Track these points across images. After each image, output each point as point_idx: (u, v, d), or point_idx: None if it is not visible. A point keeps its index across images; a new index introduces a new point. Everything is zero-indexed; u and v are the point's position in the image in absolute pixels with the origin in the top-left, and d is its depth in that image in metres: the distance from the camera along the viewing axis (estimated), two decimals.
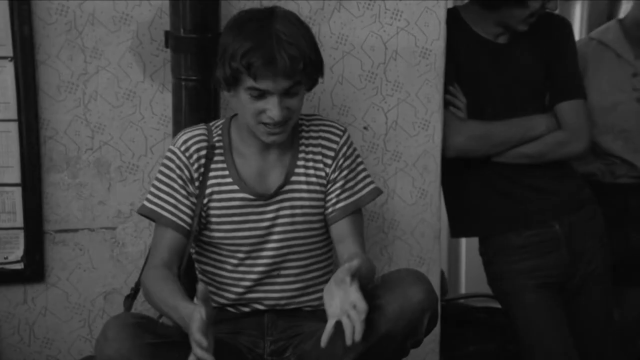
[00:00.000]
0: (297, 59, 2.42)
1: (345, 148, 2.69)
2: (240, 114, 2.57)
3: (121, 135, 2.92)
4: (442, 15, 3.07)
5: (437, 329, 3.12)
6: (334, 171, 2.68)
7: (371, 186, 2.74)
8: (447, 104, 3.13)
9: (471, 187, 3.19)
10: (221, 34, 2.58)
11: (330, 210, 2.68)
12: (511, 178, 3.13)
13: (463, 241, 4.59)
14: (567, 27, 3.25)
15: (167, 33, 2.82)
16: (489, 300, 3.49)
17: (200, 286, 2.26)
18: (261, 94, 2.44)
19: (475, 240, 3.36)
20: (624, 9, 4.20)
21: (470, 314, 3.53)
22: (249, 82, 2.42)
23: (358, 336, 2.22)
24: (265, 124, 2.49)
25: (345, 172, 2.68)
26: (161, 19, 2.86)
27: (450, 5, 3.30)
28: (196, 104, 2.81)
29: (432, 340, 3.15)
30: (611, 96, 3.37)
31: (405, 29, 3.03)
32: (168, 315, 2.42)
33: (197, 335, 2.19)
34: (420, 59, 3.06)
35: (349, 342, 2.21)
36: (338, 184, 2.67)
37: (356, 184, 2.71)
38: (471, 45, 3.12)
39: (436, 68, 3.08)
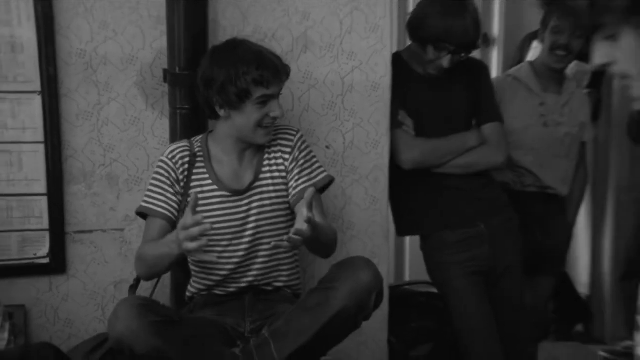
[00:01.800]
0: (284, 66, 2.69)
1: (299, 143, 2.85)
2: (239, 128, 2.70)
3: (128, 153, 3.04)
4: (388, 57, 3.20)
5: (385, 309, 3.26)
6: (291, 163, 2.82)
7: (325, 173, 2.88)
8: (398, 126, 3.22)
9: (412, 194, 3.28)
10: (203, 72, 2.70)
11: (292, 194, 2.81)
12: (446, 186, 3.24)
13: (407, 239, 4.61)
14: (486, 68, 3.48)
15: (165, 71, 2.96)
16: (428, 287, 3.55)
17: (192, 199, 2.44)
18: (266, 100, 2.65)
19: (417, 238, 3.44)
20: (530, 55, 4.27)
21: (413, 298, 3.59)
22: (260, 92, 2.63)
23: (303, 226, 2.41)
24: (265, 127, 2.69)
25: (301, 162, 2.83)
26: (160, 60, 2.99)
27: (395, 49, 3.38)
28: (189, 128, 2.92)
29: (381, 319, 3.26)
30: (523, 121, 3.52)
31: (359, 68, 3.18)
32: (161, 252, 2.58)
33: (188, 220, 2.38)
34: (371, 91, 3.20)
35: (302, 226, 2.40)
36: (295, 172, 2.82)
37: (312, 171, 2.85)
38: (412, 80, 3.24)
39: (384, 99, 3.21)
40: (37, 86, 2.92)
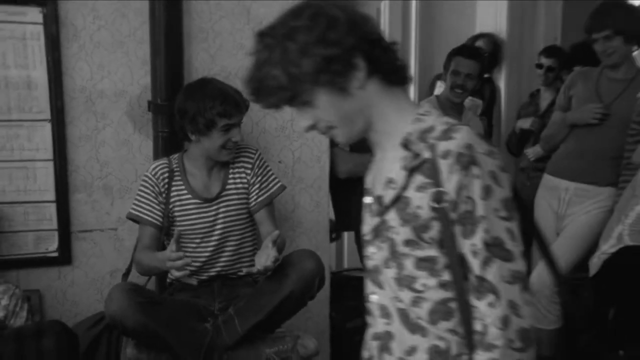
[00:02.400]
0: (244, 101, 2.67)
1: (258, 161, 2.83)
2: (207, 149, 2.68)
3: (120, 168, 3.02)
4: None
5: (327, 289, 3.23)
6: (252, 177, 2.80)
7: (279, 183, 2.86)
8: (336, 144, 3.19)
9: (347, 199, 3.27)
10: (178, 105, 2.68)
11: (253, 204, 2.81)
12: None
13: (346, 233, 4.52)
14: None
15: (149, 102, 2.96)
16: (362, 272, 3.54)
17: (175, 234, 2.48)
18: (229, 128, 2.64)
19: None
20: (436, 91, 4.30)
21: (349, 281, 3.57)
22: (224, 122, 2.62)
23: (270, 262, 2.45)
24: (227, 148, 2.67)
25: (260, 177, 2.81)
26: (145, 93, 2.97)
27: None
28: (168, 148, 2.91)
29: (324, 298, 3.26)
30: None
31: None
32: (154, 265, 2.57)
33: (173, 255, 2.41)
34: None
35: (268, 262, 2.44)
36: (256, 185, 2.80)
37: (268, 184, 2.83)
38: None
39: None
40: (47, 115, 2.91)
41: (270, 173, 2.88)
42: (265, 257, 2.48)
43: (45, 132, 2.91)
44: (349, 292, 3.48)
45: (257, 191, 2.82)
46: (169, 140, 2.95)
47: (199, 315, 2.67)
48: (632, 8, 3.41)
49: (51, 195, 2.95)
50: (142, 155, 3.05)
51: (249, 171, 2.82)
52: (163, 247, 2.78)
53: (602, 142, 3.47)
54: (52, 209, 2.96)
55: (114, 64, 2.96)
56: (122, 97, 2.99)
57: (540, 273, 3.42)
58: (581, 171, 3.49)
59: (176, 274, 2.46)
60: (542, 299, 3.61)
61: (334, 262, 4.28)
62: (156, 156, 2.98)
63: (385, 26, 4.92)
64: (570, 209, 3.52)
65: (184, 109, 2.66)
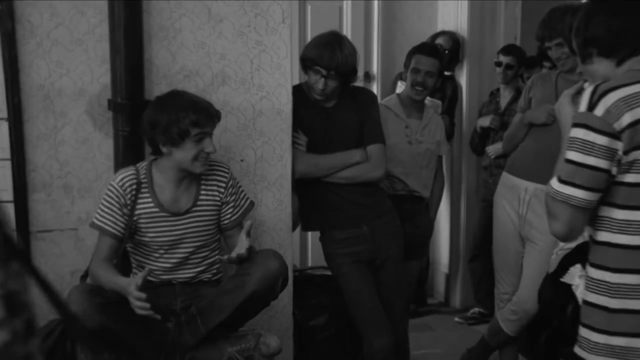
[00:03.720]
0: (216, 111, 2.69)
1: (232, 181, 2.83)
2: (179, 160, 2.66)
3: (80, 167, 2.97)
4: (289, 88, 3.17)
5: (290, 288, 3.22)
6: (226, 196, 2.81)
7: (249, 201, 2.90)
8: (294, 144, 3.19)
9: (311, 199, 3.26)
10: (149, 117, 2.66)
11: (227, 222, 2.83)
12: (337, 193, 3.19)
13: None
14: (373, 97, 3.39)
15: (109, 101, 2.92)
16: (325, 270, 3.50)
17: (145, 271, 2.48)
18: (202, 137, 2.63)
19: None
20: (398, 89, 4.28)
21: (312, 279, 3.58)
22: (197, 130, 2.60)
23: (244, 250, 2.54)
24: (201, 160, 2.66)
25: (234, 197, 2.83)
26: (106, 92, 2.93)
27: (295, 82, 3.36)
28: (129, 146, 2.91)
29: (287, 296, 3.24)
30: (393, 139, 3.50)
31: (266, 97, 3.15)
32: (110, 286, 2.54)
33: (135, 294, 2.39)
34: (276, 116, 3.17)
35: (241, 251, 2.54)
36: (230, 204, 2.81)
37: (241, 202, 2.86)
38: (309, 107, 3.19)
39: (287, 122, 3.18)
40: (4, 114, 2.86)
41: (241, 190, 2.89)
42: (239, 246, 2.52)
43: (1, 131, 2.86)
44: (312, 290, 3.49)
45: (231, 210, 2.84)
46: (130, 139, 2.92)
47: (160, 315, 2.60)
48: (578, 12, 3.46)
49: (9, 195, 2.89)
50: (103, 154, 3.00)
51: (222, 190, 2.82)
52: (123, 255, 2.77)
53: (558, 141, 3.49)
54: (10, 209, 2.88)
55: (73, 62, 2.92)
56: (82, 96, 2.95)
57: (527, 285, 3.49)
58: (537, 171, 3.53)
59: (139, 311, 2.44)
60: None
61: (298, 259, 4.27)
62: (117, 155, 2.95)
63: (348, 25, 4.93)
64: (530, 214, 3.54)
65: (156, 120, 2.63)
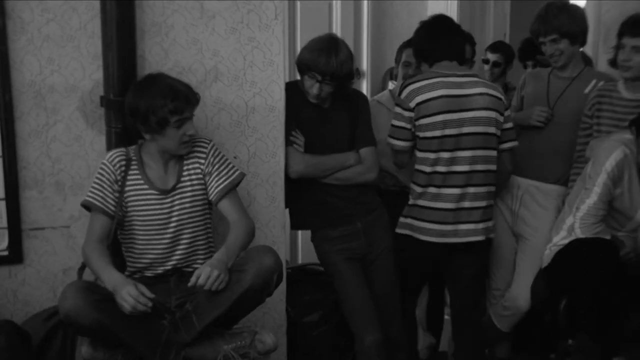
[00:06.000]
0: (194, 94, 2.68)
1: (212, 150, 2.80)
2: (164, 145, 2.68)
3: (72, 164, 2.95)
4: (282, 85, 3.15)
5: (283, 285, 3.21)
6: (207, 166, 2.78)
7: (238, 171, 2.83)
8: (290, 143, 3.15)
9: (304, 198, 3.24)
10: (129, 104, 2.66)
11: (213, 193, 2.78)
12: (330, 192, 3.18)
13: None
14: (365, 99, 3.38)
15: (102, 97, 2.90)
16: (317, 267, 3.49)
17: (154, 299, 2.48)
18: (182, 122, 2.64)
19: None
20: (389, 84, 4.23)
21: (305, 276, 3.57)
22: (176, 118, 2.61)
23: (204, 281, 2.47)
24: (184, 142, 2.67)
25: (217, 166, 2.78)
26: (98, 89, 2.91)
27: (287, 79, 3.33)
28: (121, 143, 2.86)
29: (280, 293, 3.23)
30: (385, 134, 3.34)
31: (259, 94, 3.13)
32: (98, 275, 2.56)
33: (134, 291, 2.41)
34: (269, 112, 3.15)
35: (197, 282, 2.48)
36: (214, 174, 2.78)
37: (228, 171, 2.80)
38: (305, 107, 3.16)
39: (279, 118, 3.16)
40: None
41: (227, 162, 2.84)
42: (205, 276, 2.49)
43: None
44: (305, 287, 3.48)
45: (215, 180, 2.79)
46: (122, 136, 2.89)
47: (155, 312, 2.59)
48: (574, 10, 3.50)
49: (0, 192, 2.86)
50: (95, 151, 2.98)
51: (202, 161, 2.79)
52: (114, 238, 2.75)
53: (550, 139, 3.54)
54: (1, 206, 2.87)
55: (65, 59, 2.88)
56: (74, 92, 2.92)
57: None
58: (530, 167, 3.54)
59: (125, 309, 2.44)
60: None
61: (289, 256, 4.24)
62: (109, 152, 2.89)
63: (338, 23, 4.90)
64: (522, 209, 3.56)
65: (135, 107, 2.63)
